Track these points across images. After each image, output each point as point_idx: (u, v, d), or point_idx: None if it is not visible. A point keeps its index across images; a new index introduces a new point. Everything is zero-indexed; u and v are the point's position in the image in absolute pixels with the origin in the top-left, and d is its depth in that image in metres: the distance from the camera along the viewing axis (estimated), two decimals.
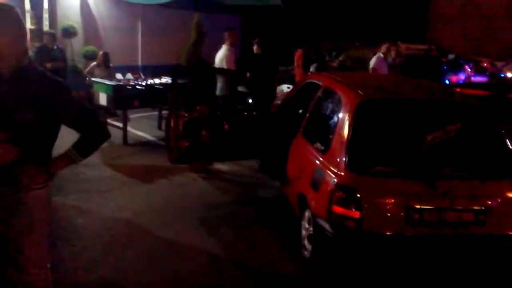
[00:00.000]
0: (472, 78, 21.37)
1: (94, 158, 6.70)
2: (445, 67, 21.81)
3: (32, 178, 2.30)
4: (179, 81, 6.05)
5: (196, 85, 6.03)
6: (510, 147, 3.63)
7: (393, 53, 9.50)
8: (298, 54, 10.68)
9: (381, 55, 8.70)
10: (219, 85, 7.05)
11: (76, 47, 11.08)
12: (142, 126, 8.77)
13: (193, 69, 6.21)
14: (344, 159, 3.42)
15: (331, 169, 3.51)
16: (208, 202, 5.26)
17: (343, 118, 3.65)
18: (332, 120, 3.85)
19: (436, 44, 29.20)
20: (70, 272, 3.62)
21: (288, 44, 11.80)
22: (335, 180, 3.40)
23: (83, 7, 11.31)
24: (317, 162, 3.77)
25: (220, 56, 7.32)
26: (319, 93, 4.40)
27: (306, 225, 3.84)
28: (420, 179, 3.33)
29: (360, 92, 3.77)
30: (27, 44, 2.34)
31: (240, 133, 5.21)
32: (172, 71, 6.26)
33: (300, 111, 4.81)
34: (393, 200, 3.33)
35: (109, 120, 8.02)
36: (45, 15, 10.65)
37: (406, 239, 3.34)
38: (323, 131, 3.91)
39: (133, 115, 8.77)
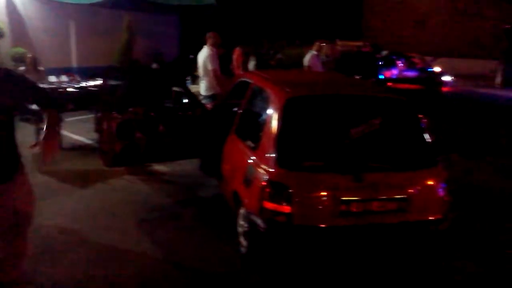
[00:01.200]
0: (404, 73, 22.40)
1: (27, 162, 6.45)
2: (379, 63, 22.71)
3: None
4: (114, 82, 5.94)
5: (129, 87, 5.94)
6: (428, 139, 3.85)
7: (327, 51, 9.78)
8: (237, 53, 10.75)
9: (315, 52, 8.93)
10: (203, 84, 7.10)
11: (3, 49, 10.58)
12: (78, 130, 8.51)
13: (126, 70, 6.10)
14: (273, 155, 3.51)
15: (261, 166, 3.59)
16: (146, 204, 5.20)
17: (272, 115, 3.73)
18: (261, 118, 3.93)
19: (372, 41, 30.29)
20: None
21: (226, 44, 11.84)
22: (265, 176, 3.49)
23: (9, 7, 10.83)
24: (249, 159, 3.84)
25: (203, 56, 7.33)
26: (249, 92, 4.48)
27: (241, 222, 3.90)
28: (347, 172, 3.47)
29: (287, 89, 3.88)
30: None
31: (175, 133, 5.19)
32: (104, 72, 6.13)
33: (234, 109, 4.86)
34: (321, 194, 3.46)
35: (41, 125, 7.76)
36: None
37: (336, 230, 3.49)
38: (253, 129, 3.98)
39: (69, 118, 8.50)
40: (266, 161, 3.55)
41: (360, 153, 3.59)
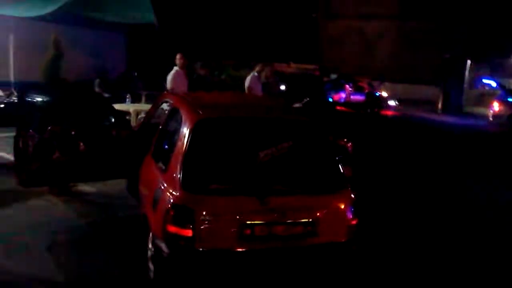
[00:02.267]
0: (352, 97, 23.10)
1: None
2: (328, 86, 23.31)
3: None
4: (36, 99, 5.75)
5: (52, 104, 5.77)
6: (338, 163, 3.92)
7: (267, 73, 9.86)
8: (179, 56, 10.71)
9: (256, 74, 9.00)
10: None
11: None
12: (5, 146, 8.15)
13: (50, 87, 5.93)
14: (179, 177, 3.46)
15: (167, 188, 3.53)
16: (60, 226, 5.00)
17: (182, 137, 3.70)
18: (173, 139, 3.88)
19: (324, 64, 31.12)
20: None
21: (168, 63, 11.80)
22: (170, 199, 3.43)
23: None
24: (158, 181, 3.77)
25: (169, 76, 7.95)
26: (168, 112, 4.43)
27: (150, 246, 3.80)
28: (252, 196, 3.46)
29: (199, 111, 3.86)
30: None
31: (96, 152, 5.05)
32: (20, 88, 5.93)
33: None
34: (226, 217, 3.43)
35: None
36: None
37: (238, 254, 3.45)
38: (165, 151, 3.94)
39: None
40: (172, 184, 3.50)
41: (267, 176, 3.60)
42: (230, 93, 7.75)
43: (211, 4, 25.12)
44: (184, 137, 3.67)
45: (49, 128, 5.06)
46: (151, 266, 3.77)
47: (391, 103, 22.81)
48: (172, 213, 3.36)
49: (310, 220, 3.59)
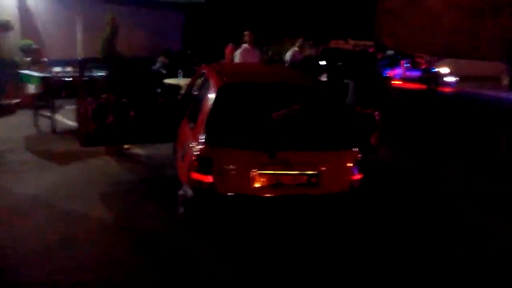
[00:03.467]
0: (408, 73, 22.68)
1: (19, 145, 7.23)
2: (383, 62, 23.01)
3: None
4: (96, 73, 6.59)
5: (108, 76, 6.59)
6: (345, 125, 4.41)
7: (305, 48, 10.34)
8: (228, 48, 11.39)
9: (296, 49, 9.48)
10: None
11: (13, 41, 11.38)
12: (73, 116, 9.22)
13: (107, 60, 6.75)
14: (202, 133, 4.11)
15: (193, 142, 4.20)
16: (113, 180, 5.88)
17: (208, 99, 4.34)
18: (202, 102, 4.53)
19: (381, 40, 30.51)
20: None
21: (222, 40, 12.44)
22: (194, 151, 4.09)
23: (19, 1, 11.60)
24: (187, 137, 4.45)
25: (238, 52, 8.83)
26: (202, 81, 5.08)
27: (179, 192, 4.51)
28: (263, 150, 4.04)
29: (223, 78, 4.48)
30: None
31: (144, 118, 5.80)
32: (80, 63, 6.80)
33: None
34: (240, 167, 4.04)
35: (40, 111, 8.52)
36: None
37: (250, 198, 4.07)
38: (196, 112, 4.59)
39: (67, 107, 9.23)
40: (197, 138, 4.16)
41: (277, 134, 4.15)
42: (257, 64, 8.27)
43: None
44: (210, 99, 4.30)
45: (105, 96, 5.89)
46: (180, 208, 4.50)
47: (450, 79, 22.22)
48: (195, 162, 4.02)
49: (315, 172, 4.12)
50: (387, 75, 22.03)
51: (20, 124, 8.53)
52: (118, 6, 12.27)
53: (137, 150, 7.16)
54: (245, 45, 9.03)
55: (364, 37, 33.12)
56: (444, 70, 22.54)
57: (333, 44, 30.66)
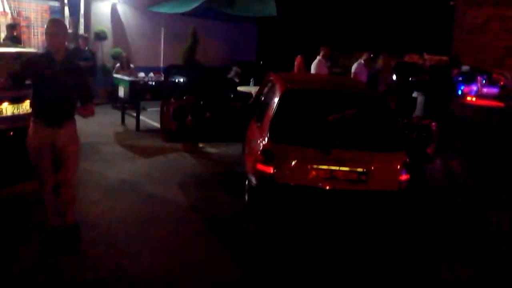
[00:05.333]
0: (485, 89, 22.06)
1: (110, 139, 8.32)
2: (458, 78, 22.56)
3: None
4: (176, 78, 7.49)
5: (188, 81, 7.47)
6: (395, 130, 4.89)
7: (380, 62, 10.77)
8: (297, 60, 12.04)
9: (362, 62, 9.91)
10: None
11: (106, 49, 12.82)
12: (156, 117, 10.28)
13: (188, 68, 7.63)
14: (267, 130, 4.77)
15: (259, 138, 4.87)
16: (189, 172, 6.71)
17: (274, 102, 5.00)
18: (268, 105, 5.20)
19: (458, 55, 29.81)
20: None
21: (292, 52, 13.13)
22: (260, 146, 4.76)
23: (113, 15, 13.05)
24: (254, 135, 5.14)
25: (314, 64, 9.77)
26: (269, 87, 5.77)
27: (246, 182, 5.19)
28: (319, 147, 4.63)
29: (287, 84, 5.13)
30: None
31: (218, 119, 6.58)
32: (166, 69, 7.74)
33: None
34: (298, 161, 4.65)
35: (128, 111, 9.66)
36: (81, 20, 12.44)
37: (306, 189, 4.66)
38: (262, 113, 5.27)
39: (150, 109, 10.32)
40: (263, 135, 4.83)
41: (333, 135, 4.72)
42: (320, 74, 8.94)
43: None
44: (275, 102, 4.97)
45: (185, 97, 6.75)
46: (245, 196, 5.18)
47: None
48: (260, 155, 4.69)
49: (364, 170, 4.63)
50: (462, 91, 21.61)
51: (110, 122, 9.70)
52: (198, 19, 13.36)
53: (211, 149, 7.99)
54: (319, 58, 9.82)
55: (441, 52, 32.50)
56: None
57: (407, 58, 30.37)
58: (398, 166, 4.71)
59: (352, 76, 9.78)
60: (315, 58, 10.15)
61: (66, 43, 4.14)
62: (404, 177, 4.73)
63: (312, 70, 9.84)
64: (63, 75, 3.92)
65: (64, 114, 4.05)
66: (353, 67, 9.92)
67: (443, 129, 7.27)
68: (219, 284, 3.87)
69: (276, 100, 5.01)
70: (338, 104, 4.95)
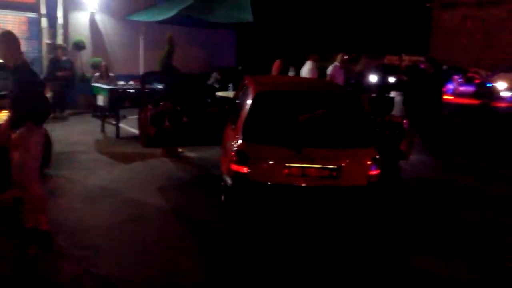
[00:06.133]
0: (461, 88, 22.55)
1: (90, 147, 8.38)
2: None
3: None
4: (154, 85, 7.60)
5: (165, 87, 7.59)
6: (364, 127, 5.06)
7: (361, 64, 11.11)
8: (276, 64, 12.22)
9: (337, 64, 10.13)
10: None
11: (85, 58, 12.87)
12: (135, 124, 10.34)
13: (165, 74, 7.75)
14: (241, 132, 4.92)
15: (233, 140, 5.01)
16: (168, 176, 6.83)
17: (247, 104, 5.15)
18: (241, 107, 5.35)
19: (436, 56, 30.35)
20: (50, 212, 5.20)
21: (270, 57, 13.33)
22: (233, 146, 4.90)
23: (92, 24, 13.12)
24: (229, 137, 5.28)
25: (307, 69, 9.77)
26: (243, 90, 5.92)
27: (222, 183, 5.32)
28: (291, 147, 4.78)
29: (259, 86, 5.28)
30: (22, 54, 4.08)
31: (195, 124, 6.70)
32: (142, 76, 7.86)
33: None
34: (271, 160, 4.80)
35: (107, 119, 9.73)
36: (59, 31, 12.47)
37: (280, 187, 4.81)
38: (236, 115, 5.41)
39: (130, 117, 10.39)
40: (237, 136, 4.97)
41: (303, 133, 4.88)
42: (292, 77, 9.19)
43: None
44: (248, 104, 5.12)
45: (162, 104, 6.85)
46: (222, 195, 5.32)
47: (506, 94, 21.86)
48: (234, 156, 4.83)
49: (335, 166, 4.80)
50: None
51: (90, 130, 9.76)
52: (176, 27, 13.49)
53: (190, 154, 8.10)
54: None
55: (419, 52, 33.11)
56: (501, 85, 22.20)
57: (386, 60, 30.87)
58: (368, 162, 4.89)
59: (328, 78, 9.96)
60: (305, 63, 10.35)
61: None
62: (374, 172, 4.91)
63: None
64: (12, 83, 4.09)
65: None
66: (329, 70, 10.12)
67: (416, 126, 7.53)
68: (195, 284, 3.98)
69: (249, 102, 5.16)
70: (308, 104, 5.12)
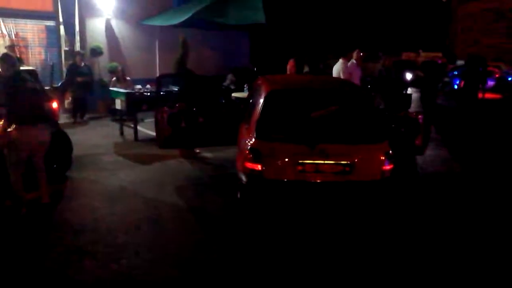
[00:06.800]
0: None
1: (110, 149, 8.59)
2: (453, 73, 22.76)
3: None
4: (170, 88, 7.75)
5: (180, 89, 7.73)
6: (377, 123, 5.11)
7: (384, 62, 11.09)
8: (290, 63, 12.30)
9: (354, 61, 10.13)
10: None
11: (102, 64, 13.13)
12: (153, 127, 10.52)
13: (180, 76, 7.90)
14: (254, 130, 5.01)
15: (247, 138, 5.11)
16: (185, 176, 6.96)
17: (260, 103, 5.24)
18: (254, 106, 5.44)
19: (453, 51, 29.94)
20: (72, 211, 5.38)
21: (284, 56, 13.41)
22: (248, 145, 5.00)
23: (108, 30, 13.37)
24: (243, 135, 5.38)
25: (338, 68, 9.56)
26: (256, 89, 6.01)
27: (238, 180, 5.42)
28: (304, 143, 4.86)
29: (272, 85, 5.38)
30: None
31: (210, 124, 6.82)
32: (157, 78, 8.02)
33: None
34: (284, 157, 4.88)
35: (126, 123, 9.94)
36: (77, 38, 12.76)
37: (294, 183, 4.89)
38: (250, 114, 5.51)
39: (147, 120, 10.58)
40: (250, 134, 5.07)
41: (316, 130, 4.95)
42: (304, 75, 9.29)
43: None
44: (261, 103, 5.21)
45: (178, 105, 7.00)
46: (238, 192, 5.42)
47: None
48: (248, 154, 4.93)
49: (349, 162, 4.86)
50: (458, 85, 21.82)
51: (109, 134, 9.98)
52: (191, 30, 13.66)
53: (207, 154, 8.24)
54: (353, 61, 9.94)
55: (437, 48, 32.79)
56: None
57: (404, 56, 30.62)
58: (381, 157, 4.94)
59: (345, 76, 9.87)
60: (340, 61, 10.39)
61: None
62: (387, 167, 4.96)
63: (346, 73, 9.66)
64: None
65: None
66: (344, 67, 10.06)
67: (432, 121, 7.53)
68: (212, 282, 4.09)
69: (261, 100, 5.25)
70: (321, 101, 5.18)
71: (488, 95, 20.61)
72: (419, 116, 7.23)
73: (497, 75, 22.59)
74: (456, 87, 22.25)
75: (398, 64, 20.55)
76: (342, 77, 9.31)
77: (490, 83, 22.26)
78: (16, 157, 5.18)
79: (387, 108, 8.75)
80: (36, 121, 5.22)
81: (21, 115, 5.11)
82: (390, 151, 5.01)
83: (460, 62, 25.30)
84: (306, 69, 12.40)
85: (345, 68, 9.46)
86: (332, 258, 4.44)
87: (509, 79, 21.99)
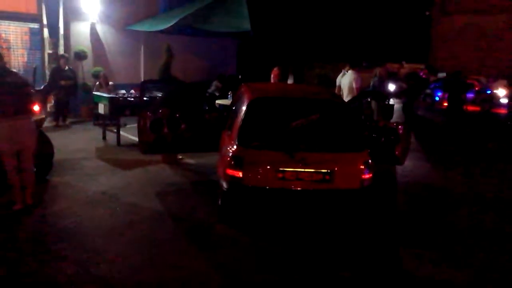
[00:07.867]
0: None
1: (92, 153, 8.53)
2: (433, 85, 23.15)
3: None
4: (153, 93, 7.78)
5: (164, 95, 7.75)
6: (356, 132, 5.20)
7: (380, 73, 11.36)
8: (274, 72, 12.39)
9: (345, 72, 10.29)
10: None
11: (86, 68, 13.06)
12: (136, 132, 10.50)
13: (163, 82, 7.92)
14: (236, 137, 5.05)
15: (229, 145, 5.15)
16: (166, 182, 6.96)
17: (242, 110, 5.29)
18: (237, 113, 5.49)
19: (435, 63, 30.46)
20: (51, 216, 5.34)
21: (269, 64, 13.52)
22: (229, 151, 5.04)
23: (92, 34, 13.31)
24: (225, 142, 5.42)
25: (349, 78, 9.81)
26: (239, 97, 6.07)
27: (218, 187, 5.45)
28: (284, 151, 4.92)
29: (254, 93, 5.43)
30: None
31: (193, 130, 6.83)
32: (141, 84, 8.04)
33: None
34: (265, 164, 4.93)
35: (109, 127, 9.89)
36: (61, 41, 12.68)
37: (274, 190, 4.93)
38: (233, 121, 5.55)
39: (129, 125, 10.53)
40: (232, 141, 5.11)
41: (296, 138, 5.01)
42: (287, 84, 9.29)
43: (315, 6, 26.40)
44: (243, 110, 5.26)
45: (160, 110, 7.00)
46: (219, 199, 5.45)
47: (505, 100, 21.98)
48: (230, 160, 4.96)
49: (328, 170, 4.93)
50: (439, 97, 22.23)
51: (91, 138, 9.92)
52: (176, 36, 13.69)
53: (189, 160, 8.24)
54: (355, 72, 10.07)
55: (420, 60, 33.33)
56: (501, 91, 22.32)
57: (388, 68, 30.98)
58: (361, 166, 5.02)
59: (357, 86, 9.82)
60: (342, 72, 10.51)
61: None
62: (366, 175, 5.04)
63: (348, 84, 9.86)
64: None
65: None
66: (356, 77, 9.99)
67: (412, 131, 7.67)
68: (194, 285, 4.10)
69: (244, 108, 5.30)
70: (302, 110, 5.25)
71: (468, 107, 21.04)
72: (400, 127, 7.36)
73: (476, 88, 23.05)
74: (437, 98, 22.71)
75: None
76: (354, 86, 9.63)
77: (469, 95, 22.74)
78: None
79: (368, 117, 8.89)
80: (17, 113, 5.26)
81: (2, 108, 5.17)
82: (370, 160, 5.09)
83: (441, 75, 25.80)
84: (290, 78, 12.52)
85: (357, 78, 9.74)
86: (310, 265, 4.49)
87: (488, 92, 22.44)
